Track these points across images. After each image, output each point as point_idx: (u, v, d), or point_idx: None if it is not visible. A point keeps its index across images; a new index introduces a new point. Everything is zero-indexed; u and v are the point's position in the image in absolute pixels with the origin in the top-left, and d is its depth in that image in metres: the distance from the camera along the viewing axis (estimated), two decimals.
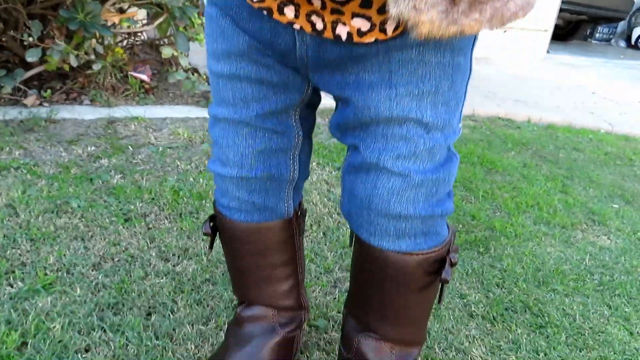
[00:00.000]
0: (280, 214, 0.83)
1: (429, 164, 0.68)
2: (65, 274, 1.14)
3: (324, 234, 1.46)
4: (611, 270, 1.48)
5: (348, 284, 1.25)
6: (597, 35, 9.00)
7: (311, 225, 1.50)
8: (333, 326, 1.10)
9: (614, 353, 1.12)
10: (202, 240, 1.35)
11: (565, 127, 3.11)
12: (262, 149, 0.76)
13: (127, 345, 0.96)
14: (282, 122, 0.75)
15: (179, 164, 1.79)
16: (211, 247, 0.87)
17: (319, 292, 1.20)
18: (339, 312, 1.14)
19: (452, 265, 0.75)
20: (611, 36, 9.04)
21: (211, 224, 0.87)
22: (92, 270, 1.17)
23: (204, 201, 1.55)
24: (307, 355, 1.00)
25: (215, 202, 0.86)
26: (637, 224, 1.84)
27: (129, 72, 2.40)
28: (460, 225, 1.63)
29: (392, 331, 0.81)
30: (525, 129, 2.94)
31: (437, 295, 0.78)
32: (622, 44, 8.84)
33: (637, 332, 1.21)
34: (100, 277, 1.14)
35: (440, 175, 0.68)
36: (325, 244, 1.41)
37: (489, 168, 2.20)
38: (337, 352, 1.01)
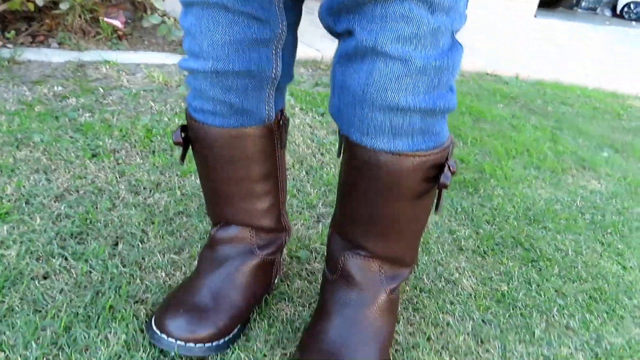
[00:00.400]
0: (260, 118, 0.74)
1: (432, 49, 0.59)
2: (24, 204, 1.04)
3: (307, 172, 1.39)
4: (602, 211, 1.43)
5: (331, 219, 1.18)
6: (582, 4, 8.94)
7: (293, 164, 1.42)
8: (315, 258, 1.03)
9: (608, 285, 1.07)
10: (177, 175, 1.26)
11: (554, 83, 3.06)
12: (241, 38, 0.67)
13: (90, 272, 0.88)
14: (264, 7, 0.66)
15: (153, 105, 1.68)
16: (183, 159, 0.78)
17: (301, 226, 1.13)
18: (322, 244, 1.07)
19: (452, 173, 0.68)
20: (597, 5, 8.98)
21: (183, 135, 0.78)
22: (55, 202, 1.07)
23: None
24: (287, 284, 0.93)
25: (187, 108, 0.77)
26: (627, 170, 1.80)
27: (101, 18, 2.26)
28: None
29: (382, 246, 0.74)
30: (513, 85, 2.88)
31: (435, 204, 0.71)
32: (608, 12, 8.80)
33: (631, 267, 1.16)
34: (63, 208, 1.05)
35: (444, 63, 0.60)
36: (309, 182, 1.33)
37: (477, 117, 2.13)
38: (320, 279, 0.94)
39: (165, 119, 1.58)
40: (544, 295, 1.01)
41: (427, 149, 0.65)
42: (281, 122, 0.78)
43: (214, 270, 0.80)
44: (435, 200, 0.71)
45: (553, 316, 0.95)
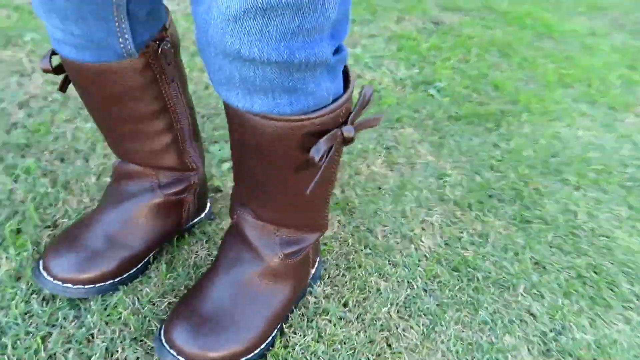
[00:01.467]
0: (117, 52, 0.61)
1: None
2: None
3: None
4: None
5: None
6: None
7: None
8: None
9: (614, 264, 0.88)
10: None
11: None
12: None
13: (15, 191, 0.86)
14: None
15: None
16: (61, 89, 0.69)
17: None
18: None
19: (346, 141, 0.54)
20: None
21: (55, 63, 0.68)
22: (19, 109, 1.05)
23: None
24: (217, 223, 0.86)
25: None
26: None
27: None
28: (474, 95, 1.34)
29: (265, 212, 0.63)
30: None
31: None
32: None
33: None
34: (21, 117, 1.03)
35: (304, 0, 0.43)
36: None
37: (541, 33, 1.80)
38: None
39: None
40: (517, 268, 0.85)
41: (294, 112, 0.51)
42: (159, 53, 0.64)
43: (114, 206, 0.74)
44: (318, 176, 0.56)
45: (518, 294, 0.80)
